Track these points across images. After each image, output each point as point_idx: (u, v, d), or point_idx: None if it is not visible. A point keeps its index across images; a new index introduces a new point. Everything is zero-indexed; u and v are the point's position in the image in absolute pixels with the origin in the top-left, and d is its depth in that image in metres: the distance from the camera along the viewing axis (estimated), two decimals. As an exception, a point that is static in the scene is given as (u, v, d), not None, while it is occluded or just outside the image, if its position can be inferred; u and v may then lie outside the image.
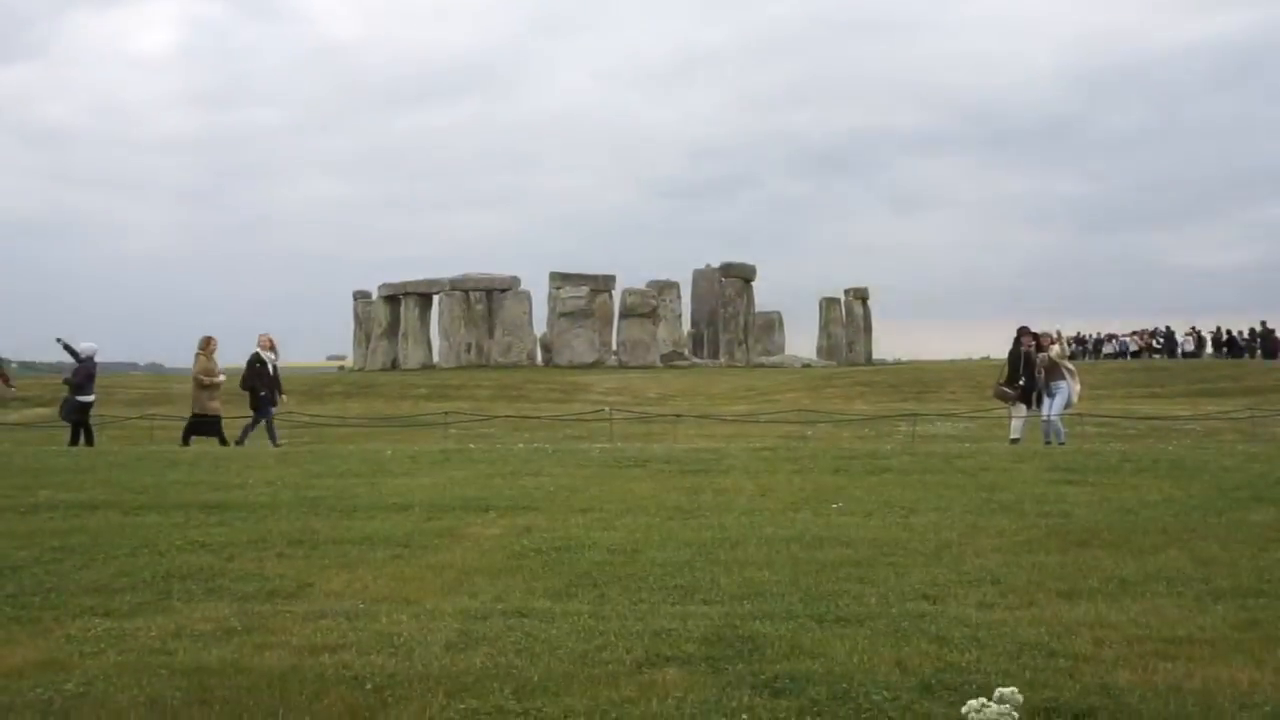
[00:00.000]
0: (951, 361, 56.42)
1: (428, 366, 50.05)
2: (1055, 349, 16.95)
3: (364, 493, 10.27)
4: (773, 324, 56.64)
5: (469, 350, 50.15)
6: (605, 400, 29.49)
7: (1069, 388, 16.79)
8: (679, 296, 53.77)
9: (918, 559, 7.29)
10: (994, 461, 12.20)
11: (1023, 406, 16.82)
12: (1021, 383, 16.73)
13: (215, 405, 17.11)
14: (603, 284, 52.29)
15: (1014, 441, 16.06)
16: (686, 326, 54.71)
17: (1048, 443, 15.92)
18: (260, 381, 17.48)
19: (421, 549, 7.74)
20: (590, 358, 48.83)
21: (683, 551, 7.55)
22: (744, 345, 54.09)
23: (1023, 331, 16.96)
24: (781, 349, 55.44)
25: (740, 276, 55.06)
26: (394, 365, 52.16)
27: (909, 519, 8.69)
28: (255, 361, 17.53)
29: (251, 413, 17.68)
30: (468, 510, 9.23)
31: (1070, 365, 17.23)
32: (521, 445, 16.23)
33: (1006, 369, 17.01)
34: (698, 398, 32.35)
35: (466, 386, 36.29)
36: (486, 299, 51.23)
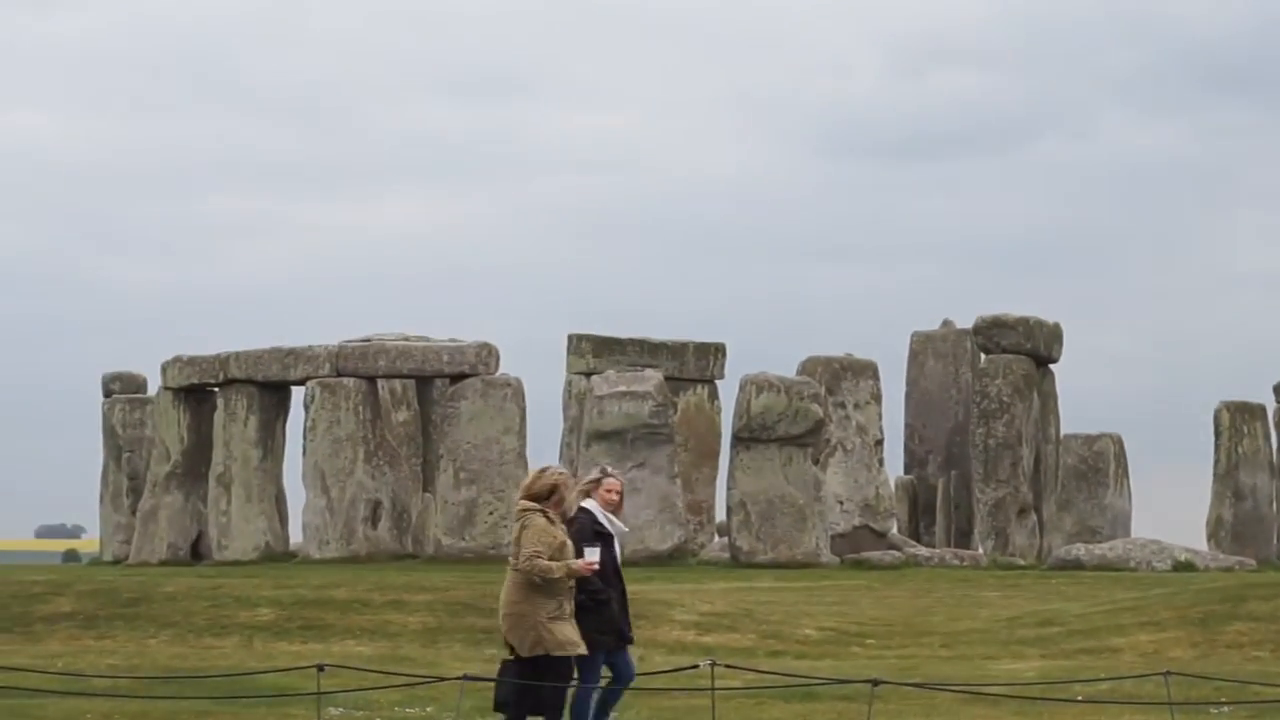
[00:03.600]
0: None
1: (278, 555, 39.34)
2: None
3: None
4: (1101, 464, 42.81)
5: (374, 519, 38.41)
6: (699, 644, 23.86)
7: None
8: (876, 397, 42.01)
9: None
10: None
11: None
12: None
13: (568, 633, 13.19)
14: (695, 364, 42.96)
15: None
16: (895, 469, 44.48)
17: None
18: (607, 587, 13.57)
19: None
20: (664, 540, 36.90)
21: None
22: (1035, 514, 41.64)
23: None
24: (1125, 525, 42.57)
25: (1023, 350, 41.90)
26: (197, 552, 40.22)
27: None
28: (592, 533, 13.60)
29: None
30: None
31: None
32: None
33: None
34: (921, 639, 25.46)
35: (371, 605, 26.99)
36: (418, 396, 41.33)
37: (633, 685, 16.17)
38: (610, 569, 13.86)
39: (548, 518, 13.53)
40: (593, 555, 13.56)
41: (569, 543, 13.53)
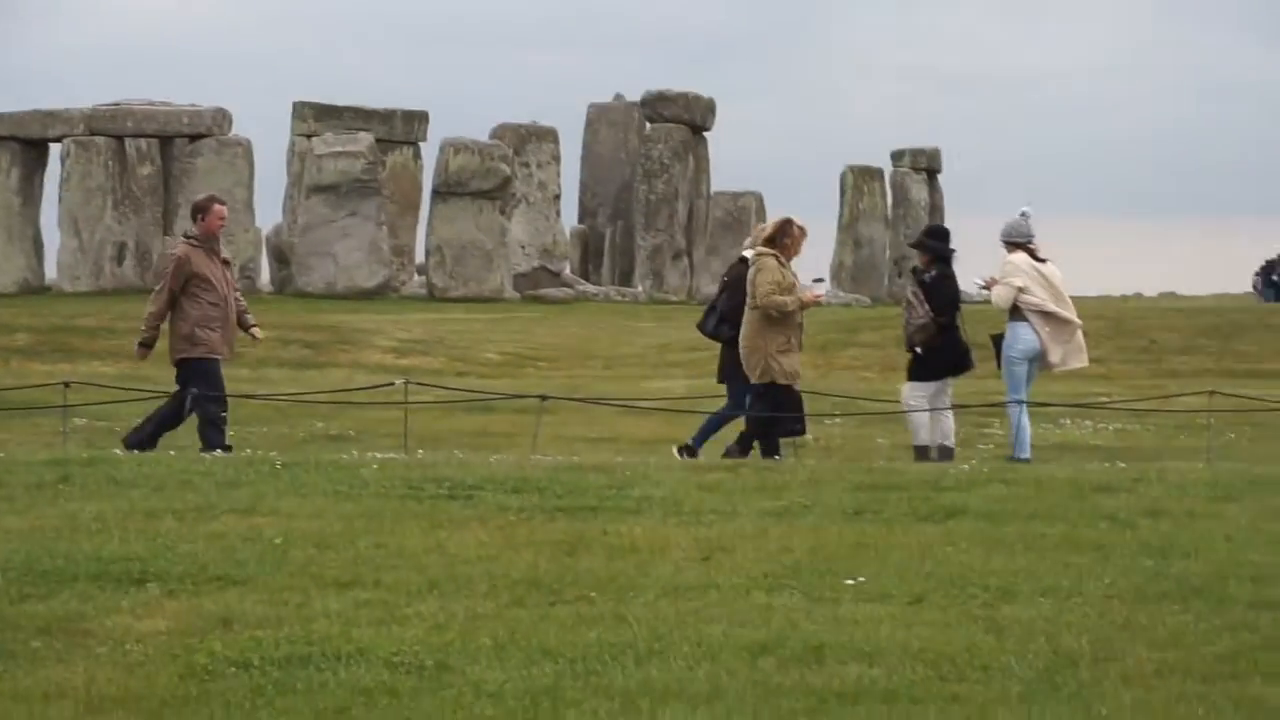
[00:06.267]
0: (1103, 299, 48.40)
1: (35, 289, 42.94)
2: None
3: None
4: (744, 218, 45.39)
5: (120, 257, 42.12)
6: (397, 366, 26.45)
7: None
8: (556, 158, 45.80)
9: (1010, 693, 6.11)
10: (1174, 497, 10.40)
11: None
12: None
13: (794, 364, 13.51)
14: (401, 129, 44.98)
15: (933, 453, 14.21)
16: (570, 219, 48.45)
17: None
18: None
19: (5, 661, 6.43)
20: (370, 278, 41.05)
21: (539, 670, 6.22)
22: (687, 259, 46.20)
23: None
24: (762, 268, 44.73)
25: (681, 120, 45.94)
26: (-36, 286, 44.42)
27: (996, 610, 7.33)
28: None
29: None
30: (105, 582, 7.70)
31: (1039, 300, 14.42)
32: (220, 452, 13.70)
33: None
34: (586, 362, 29.17)
35: (116, 331, 28.84)
36: (160, 154, 42.53)
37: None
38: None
39: (778, 260, 13.44)
40: (819, 288, 13.79)
41: (798, 282, 13.49)
